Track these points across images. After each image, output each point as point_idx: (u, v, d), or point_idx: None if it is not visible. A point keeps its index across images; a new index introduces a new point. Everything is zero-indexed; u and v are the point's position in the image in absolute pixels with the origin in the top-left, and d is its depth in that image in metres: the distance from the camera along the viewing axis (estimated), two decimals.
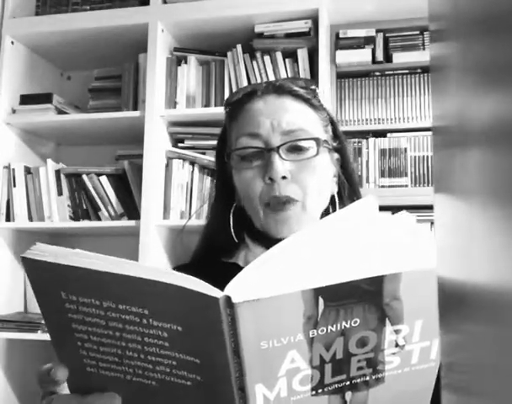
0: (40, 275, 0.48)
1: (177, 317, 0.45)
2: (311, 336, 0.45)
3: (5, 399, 1.98)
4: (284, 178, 0.70)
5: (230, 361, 0.44)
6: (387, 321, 0.47)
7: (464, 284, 0.17)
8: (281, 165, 0.69)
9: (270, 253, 0.45)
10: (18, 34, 2.06)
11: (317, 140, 0.72)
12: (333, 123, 0.79)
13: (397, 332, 0.47)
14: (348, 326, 0.45)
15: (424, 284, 0.45)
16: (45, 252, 0.46)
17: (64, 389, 0.53)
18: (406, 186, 1.84)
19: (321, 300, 0.44)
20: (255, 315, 0.43)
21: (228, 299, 0.42)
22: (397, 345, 0.48)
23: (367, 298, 0.45)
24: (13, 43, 2.06)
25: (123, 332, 0.47)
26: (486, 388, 0.15)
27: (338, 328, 0.45)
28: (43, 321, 1.82)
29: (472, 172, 0.16)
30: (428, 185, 1.82)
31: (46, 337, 1.84)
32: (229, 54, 1.96)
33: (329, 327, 0.45)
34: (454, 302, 0.18)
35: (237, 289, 0.43)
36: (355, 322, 0.45)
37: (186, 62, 1.99)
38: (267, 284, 0.43)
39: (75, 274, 0.45)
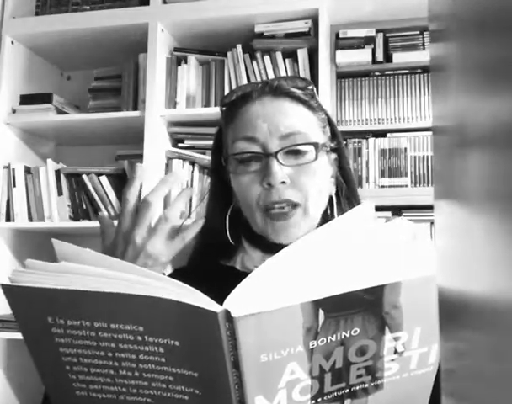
0: (24, 302, 0.46)
1: (173, 332, 0.44)
2: (311, 347, 0.45)
3: (5, 399, 1.98)
4: (283, 182, 0.69)
5: (229, 374, 0.44)
6: (387, 330, 0.47)
7: (464, 292, 0.17)
8: (280, 170, 0.69)
9: (268, 265, 0.45)
10: (18, 34, 2.06)
11: (315, 144, 0.71)
12: (330, 123, 0.78)
13: (396, 339, 0.47)
14: (347, 335, 0.45)
15: (422, 290, 0.44)
16: (29, 274, 0.44)
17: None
18: (406, 186, 1.84)
19: (321, 312, 0.44)
20: (255, 328, 0.42)
21: (227, 313, 0.42)
22: (395, 352, 0.48)
23: (367, 308, 0.45)
24: (13, 43, 2.06)
25: (116, 351, 0.45)
26: (485, 396, 0.15)
27: (338, 338, 0.45)
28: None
29: (472, 173, 0.16)
30: (428, 185, 1.82)
31: None
32: (229, 54, 1.96)
33: (329, 338, 0.45)
34: (454, 310, 0.18)
35: (236, 302, 0.42)
36: (355, 332, 0.45)
37: (186, 62, 1.99)
38: (266, 298, 0.42)
39: (63, 297, 0.44)
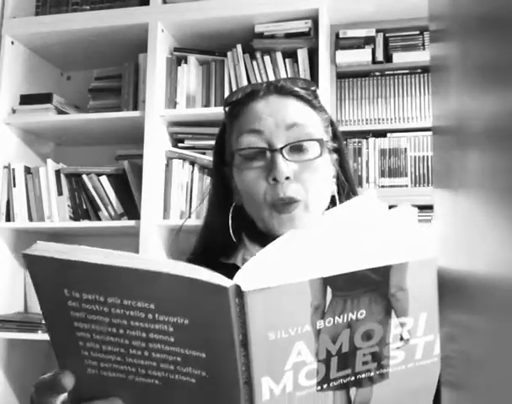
0: (43, 272, 0.47)
1: (184, 310, 0.45)
2: (318, 327, 0.45)
3: (5, 399, 1.98)
4: (287, 178, 0.70)
5: (237, 353, 0.44)
6: (393, 314, 0.47)
7: (463, 273, 0.17)
8: (285, 166, 0.70)
9: (278, 243, 0.45)
10: (18, 34, 2.06)
11: (320, 141, 0.73)
12: (332, 124, 0.80)
13: (402, 325, 0.48)
14: (354, 317, 0.46)
15: (428, 273, 0.45)
16: (47, 250, 0.45)
17: (60, 401, 0.52)
18: (406, 186, 1.84)
19: (329, 290, 0.44)
20: (264, 304, 0.43)
21: (237, 288, 0.42)
22: (401, 339, 0.48)
23: (374, 288, 0.45)
24: (13, 43, 2.06)
25: (127, 328, 0.46)
26: (482, 382, 0.15)
27: (345, 320, 0.46)
28: (43, 321, 1.82)
29: (472, 172, 0.16)
30: (428, 185, 1.82)
31: (46, 337, 1.83)
32: (229, 54, 1.96)
33: (336, 318, 0.45)
34: (452, 292, 0.18)
35: (246, 278, 0.43)
36: (361, 314, 0.46)
37: (186, 62, 1.99)
38: (276, 273, 0.43)
39: (79, 270, 0.45)
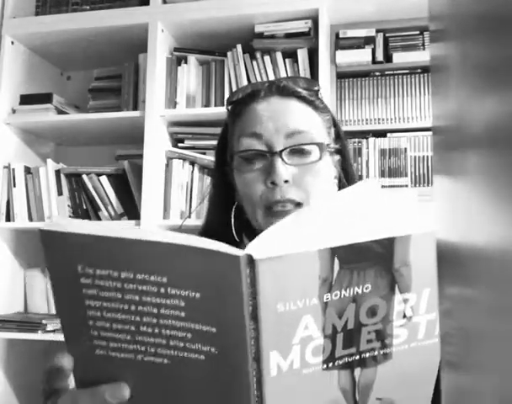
0: (58, 249, 0.47)
1: (196, 282, 0.45)
2: (325, 300, 0.46)
3: (5, 399, 1.98)
4: (286, 181, 0.70)
5: (246, 326, 0.45)
6: (396, 289, 0.48)
7: (461, 244, 0.17)
8: (284, 170, 0.69)
9: (290, 218, 0.47)
10: (18, 34, 2.06)
11: (320, 145, 0.72)
12: (335, 124, 0.79)
13: (405, 301, 0.49)
14: (360, 291, 0.47)
15: (431, 248, 0.46)
16: (63, 226, 0.46)
17: (69, 385, 0.53)
18: (406, 186, 1.84)
19: (336, 261, 0.46)
20: (274, 273, 0.44)
21: (249, 258, 0.43)
22: (404, 316, 0.49)
23: (379, 261, 0.47)
24: (13, 43, 2.06)
25: (139, 304, 0.47)
26: (478, 360, 0.15)
27: (351, 293, 0.47)
28: (43, 321, 1.83)
29: (472, 172, 0.16)
30: (428, 185, 1.82)
31: (46, 337, 1.84)
32: (229, 54, 1.96)
33: (343, 292, 0.47)
34: (451, 263, 0.18)
35: (257, 247, 0.44)
36: (367, 288, 0.47)
37: (186, 62, 1.99)
38: (286, 244, 0.44)
39: (94, 245, 0.45)
